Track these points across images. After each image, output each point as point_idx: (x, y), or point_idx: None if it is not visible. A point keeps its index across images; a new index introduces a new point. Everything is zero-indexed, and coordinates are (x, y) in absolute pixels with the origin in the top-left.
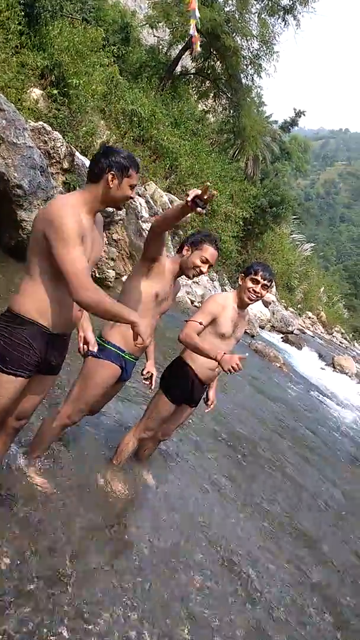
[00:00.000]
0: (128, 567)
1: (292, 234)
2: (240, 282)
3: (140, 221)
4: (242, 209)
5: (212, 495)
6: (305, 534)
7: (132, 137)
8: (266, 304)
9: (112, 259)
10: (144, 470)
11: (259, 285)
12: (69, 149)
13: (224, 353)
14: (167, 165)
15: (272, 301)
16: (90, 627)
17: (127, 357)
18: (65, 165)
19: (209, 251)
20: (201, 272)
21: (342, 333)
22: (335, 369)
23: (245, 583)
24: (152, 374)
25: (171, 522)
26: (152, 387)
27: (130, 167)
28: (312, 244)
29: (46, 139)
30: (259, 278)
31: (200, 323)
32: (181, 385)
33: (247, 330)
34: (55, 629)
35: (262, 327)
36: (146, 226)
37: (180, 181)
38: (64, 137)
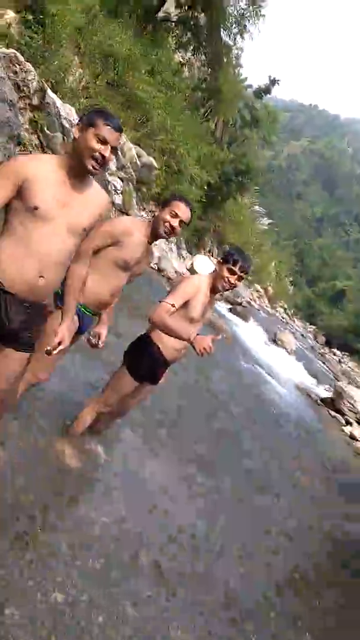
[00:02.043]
0: (78, 544)
1: (252, 206)
2: (217, 268)
3: (106, 173)
4: (208, 173)
5: (163, 473)
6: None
7: (105, 80)
8: None
9: None
10: (96, 443)
11: (235, 276)
12: (40, 83)
13: (197, 334)
14: (139, 117)
15: None
16: (40, 606)
17: (83, 309)
18: (35, 101)
19: (179, 206)
20: (172, 228)
21: (284, 308)
22: (277, 344)
23: (191, 560)
24: (100, 334)
25: (121, 498)
26: (100, 346)
27: (96, 117)
28: (270, 221)
29: (17, 69)
30: (236, 269)
31: (173, 305)
32: (145, 363)
33: None
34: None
35: None
36: (112, 179)
37: (151, 135)
38: (35, 69)
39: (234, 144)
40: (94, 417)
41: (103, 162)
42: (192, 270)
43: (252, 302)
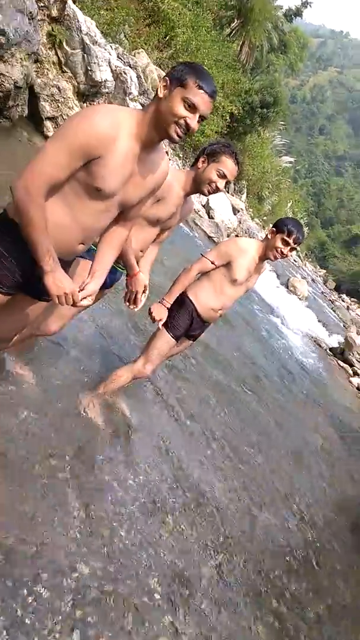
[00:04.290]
0: (101, 508)
1: (274, 140)
2: (269, 236)
3: (127, 98)
4: (231, 102)
5: (186, 434)
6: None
7: None
8: (235, 211)
9: None
10: (121, 401)
11: (288, 247)
12: None
13: (165, 306)
14: (163, 35)
15: (241, 209)
16: (67, 582)
17: (113, 265)
18: (54, 12)
19: (228, 164)
20: (217, 189)
21: (297, 251)
22: (289, 290)
23: (211, 526)
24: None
25: (145, 460)
26: (137, 307)
27: (189, 75)
28: (292, 159)
29: None
30: (290, 241)
31: (213, 262)
32: (180, 319)
33: (215, 238)
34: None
35: (228, 236)
36: (133, 105)
37: (174, 56)
38: None
39: (258, 69)
40: (129, 379)
41: (187, 131)
42: (207, 207)
43: None
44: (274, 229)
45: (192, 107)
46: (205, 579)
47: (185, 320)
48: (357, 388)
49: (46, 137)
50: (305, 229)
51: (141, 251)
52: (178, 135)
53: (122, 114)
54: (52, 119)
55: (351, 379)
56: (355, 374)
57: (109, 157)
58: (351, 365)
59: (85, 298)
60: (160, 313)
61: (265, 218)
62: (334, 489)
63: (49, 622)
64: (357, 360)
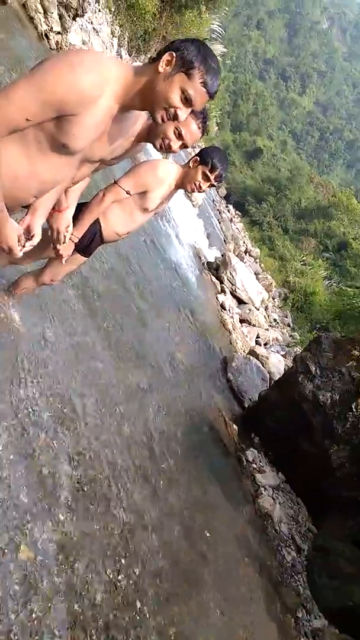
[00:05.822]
0: None
1: (213, 24)
2: (190, 165)
3: None
4: None
5: (68, 347)
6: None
7: None
8: None
9: None
10: (12, 308)
11: (208, 183)
12: None
13: (74, 241)
14: None
15: None
16: None
17: None
18: None
19: (192, 127)
20: (169, 148)
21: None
22: (186, 194)
23: (76, 439)
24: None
25: (34, 369)
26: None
27: (198, 65)
28: (225, 49)
29: None
30: (212, 177)
31: (128, 192)
32: (86, 236)
33: None
34: None
35: None
36: None
37: None
38: None
39: None
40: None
41: (173, 120)
42: None
43: None
44: (197, 158)
45: (188, 101)
46: (65, 488)
47: (86, 235)
48: (221, 305)
49: None
50: (215, 129)
51: (74, 183)
52: (162, 120)
53: (111, 70)
54: None
55: (218, 295)
56: (222, 291)
57: (85, 116)
58: (221, 282)
59: (29, 240)
60: (68, 249)
61: None
62: (182, 400)
63: None
64: (227, 279)
